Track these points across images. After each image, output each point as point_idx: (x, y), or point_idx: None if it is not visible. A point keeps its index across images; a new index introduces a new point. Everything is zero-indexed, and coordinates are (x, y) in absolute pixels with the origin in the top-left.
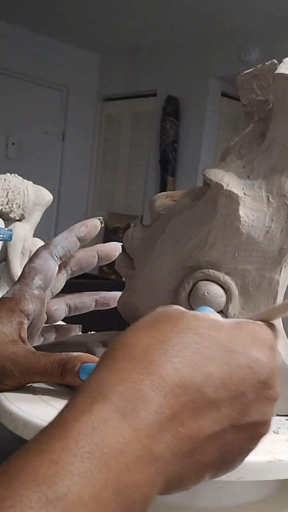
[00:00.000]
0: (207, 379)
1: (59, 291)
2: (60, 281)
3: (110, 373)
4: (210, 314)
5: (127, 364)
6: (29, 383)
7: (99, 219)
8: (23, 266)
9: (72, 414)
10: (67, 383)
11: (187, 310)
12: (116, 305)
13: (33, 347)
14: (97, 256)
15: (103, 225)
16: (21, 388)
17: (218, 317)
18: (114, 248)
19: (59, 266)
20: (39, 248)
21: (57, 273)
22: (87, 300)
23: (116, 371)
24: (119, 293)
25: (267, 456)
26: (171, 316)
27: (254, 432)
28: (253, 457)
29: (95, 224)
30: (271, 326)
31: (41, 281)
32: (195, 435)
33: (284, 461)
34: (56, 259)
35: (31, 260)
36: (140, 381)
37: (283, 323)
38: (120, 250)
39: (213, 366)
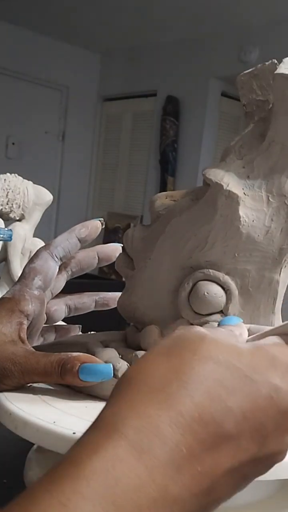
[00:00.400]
0: (227, 413)
1: (59, 291)
2: (60, 282)
3: (126, 405)
4: (232, 332)
5: (144, 396)
6: (28, 383)
7: (100, 220)
8: (23, 266)
9: (84, 451)
10: (67, 383)
11: (207, 333)
12: (116, 305)
13: (33, 347)
14: (97, 257)
15: (103, 226)
16: (21, 388)
17: (242, 332)
18: (115, 249)
19: (59, 267)
20: (40, 248)
21: (57, 274)
22: (87, 301)
23: (132, 403)
24: (119, 294)
25: None
26: (190, 341)
27: (270, 461)
28: None
29: (95, 225)
30: None
31: (41, 281)
32: (213, 472)
33: (284, 461)
34: (57, 260)
35: (31, 260)
36: (157, 416)
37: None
38: (121, 251)
39: (234, 399)
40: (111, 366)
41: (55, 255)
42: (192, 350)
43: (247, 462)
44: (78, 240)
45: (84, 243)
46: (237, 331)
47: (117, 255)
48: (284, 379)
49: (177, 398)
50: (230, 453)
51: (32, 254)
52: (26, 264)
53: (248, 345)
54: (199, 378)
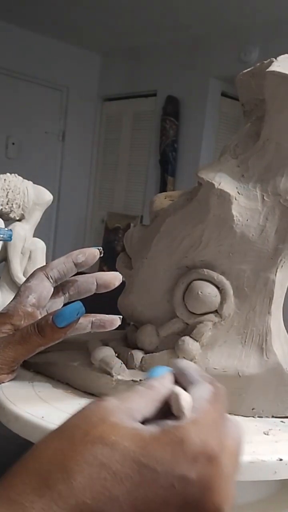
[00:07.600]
0: (111, 503)
1: None
2: (57, 303)
3: (4, 488)
4: (131, 420)
5: (21, 481)
6: (15, 360)
7: (98, 249)
8: (23, 266)
9: None
10: (49, 340)
11: (113, 414)
12: (111, 328)
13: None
14: (95, 283)
15: (101, 255)
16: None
17: (164, 382)
18: (114, 277)
19: (58, 289)
20: (36, 269)
21: (55, 296)
22: (83, 322)
23: (7, 488)
24: (115, 317)
25: (250, 457)
26: (87, 421)
27: None
28: None
29: (93, 253)
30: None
31: (35, 299)
32: None
33: (266, 462)
34: (51, 281)
35: (27, 280)
36: (30, 503)
37: (284, 321)
38: (120, 280)
39: (121, 487)
40: (80, 302)
41: (50, 276)
42: (84, 431)
43: None
44: (74, 264)
45: (80, 269)
46: (157, 382)
47: (117, 283)
48: (193, 467)
49: (53, 484)
50: None
51: (32, 255)
52: (22, 283)
53: (153, 429)
54: (83, 460)
